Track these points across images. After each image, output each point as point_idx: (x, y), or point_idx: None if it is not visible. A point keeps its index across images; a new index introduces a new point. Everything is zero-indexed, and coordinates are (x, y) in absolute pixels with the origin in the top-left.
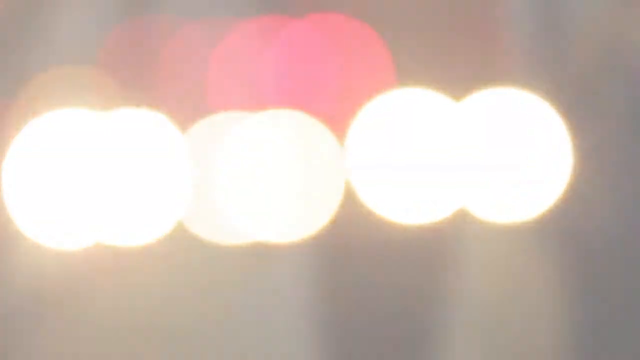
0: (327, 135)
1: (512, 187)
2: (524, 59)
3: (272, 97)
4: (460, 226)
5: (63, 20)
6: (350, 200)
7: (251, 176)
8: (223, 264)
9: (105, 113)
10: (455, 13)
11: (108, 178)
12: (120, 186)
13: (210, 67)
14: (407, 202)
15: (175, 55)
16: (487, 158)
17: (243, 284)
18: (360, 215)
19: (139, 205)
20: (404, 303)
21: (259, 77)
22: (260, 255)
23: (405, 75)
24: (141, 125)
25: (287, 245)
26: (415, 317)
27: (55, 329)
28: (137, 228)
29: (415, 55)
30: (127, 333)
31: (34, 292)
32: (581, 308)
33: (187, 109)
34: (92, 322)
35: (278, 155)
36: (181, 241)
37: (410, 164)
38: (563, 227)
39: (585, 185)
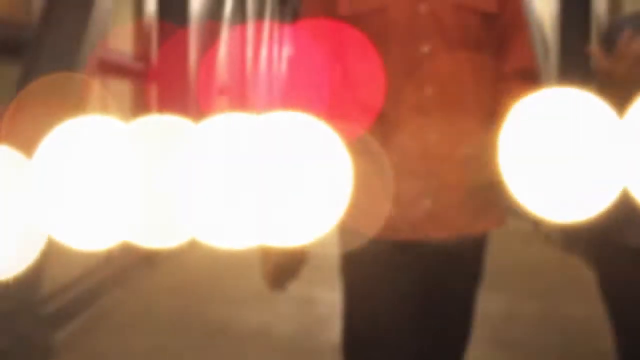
0: (333, 137)
1: None
2: None
3: (273, 99)
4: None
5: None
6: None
7: (254, 179)
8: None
9: (126, 119)
10: None
11: (131, 181)
12: (142, 188)
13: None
14: (559, 200)
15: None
16: None
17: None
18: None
19: (161, 208)
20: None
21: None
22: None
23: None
24: (158, 130)
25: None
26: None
27: (85, 326)
28: (159, 231)
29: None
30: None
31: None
32: None
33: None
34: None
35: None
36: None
37: (566, 163)
38: None
39: None
